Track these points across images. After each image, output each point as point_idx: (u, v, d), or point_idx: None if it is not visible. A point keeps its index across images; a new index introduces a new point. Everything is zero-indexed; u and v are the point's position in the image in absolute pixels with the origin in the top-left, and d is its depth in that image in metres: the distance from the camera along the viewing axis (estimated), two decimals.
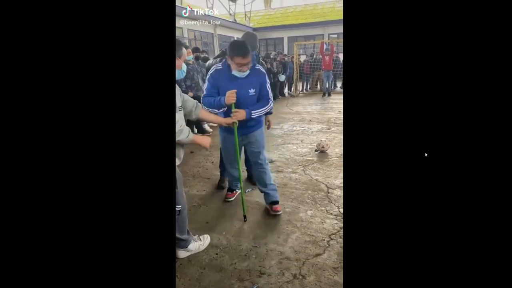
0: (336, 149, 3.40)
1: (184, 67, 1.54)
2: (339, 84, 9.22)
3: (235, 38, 14.26)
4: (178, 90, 1.49)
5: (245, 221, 1.98)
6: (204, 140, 1.58)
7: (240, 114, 1.76)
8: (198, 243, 1.69)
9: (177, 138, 1.39)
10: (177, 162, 1.49)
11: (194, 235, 1.72)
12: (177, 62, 1.45)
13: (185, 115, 1.56)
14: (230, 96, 1.70)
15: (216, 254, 1.66)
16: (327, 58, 7.37)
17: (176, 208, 1.49)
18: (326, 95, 7.56)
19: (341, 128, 4.42)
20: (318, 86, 9.01)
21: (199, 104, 1.68)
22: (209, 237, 1.79)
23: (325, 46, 7.70)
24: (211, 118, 1.81)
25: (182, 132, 1.41)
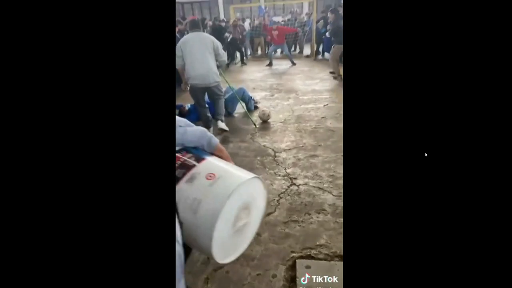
0: (279, 115, 3.59)
1: None
2: (307, 50, 8.58)
3: None
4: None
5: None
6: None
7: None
8: None
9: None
10: None
11: None
12: None
13: None
14: None
15: None
16: (274, 33, 6.95)
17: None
18: (291, 64, 7.05)
19: (283, 94, 4.61)
20: (259, 52, 9.00)
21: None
22: None
23: (261, 11, 7.42)
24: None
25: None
